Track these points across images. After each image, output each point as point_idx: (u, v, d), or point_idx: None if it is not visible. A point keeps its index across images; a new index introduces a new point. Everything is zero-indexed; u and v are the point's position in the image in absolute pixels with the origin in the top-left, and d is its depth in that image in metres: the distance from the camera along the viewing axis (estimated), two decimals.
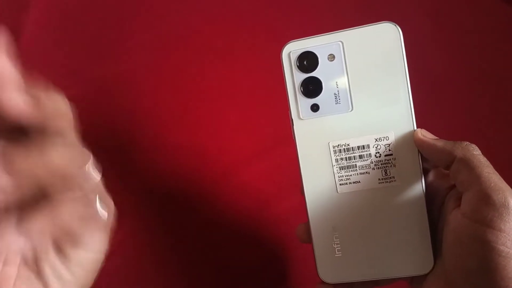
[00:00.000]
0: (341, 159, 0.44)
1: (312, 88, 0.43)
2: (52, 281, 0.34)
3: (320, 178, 0.44)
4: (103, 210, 0.36)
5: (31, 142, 0.30)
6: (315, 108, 0.43)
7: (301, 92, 0.43)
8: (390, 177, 0.43)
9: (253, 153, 0.62)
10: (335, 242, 0.44)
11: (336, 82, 0.43)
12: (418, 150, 0.42)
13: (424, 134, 0.41)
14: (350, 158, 0.44)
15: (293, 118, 0.44)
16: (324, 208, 0.44)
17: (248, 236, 0.61)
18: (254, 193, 0.62)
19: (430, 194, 0.43)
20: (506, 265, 0.33)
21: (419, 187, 0.43)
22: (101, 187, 0.37)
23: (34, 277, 0.34)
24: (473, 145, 0.39)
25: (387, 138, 0.43)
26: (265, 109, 0.62)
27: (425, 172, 0.44)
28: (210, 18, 0.65)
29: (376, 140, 0.43)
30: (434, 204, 0.43)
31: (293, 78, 0.44)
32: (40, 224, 0.33)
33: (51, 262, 0.35)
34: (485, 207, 0.35)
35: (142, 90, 0.63)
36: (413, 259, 0.43)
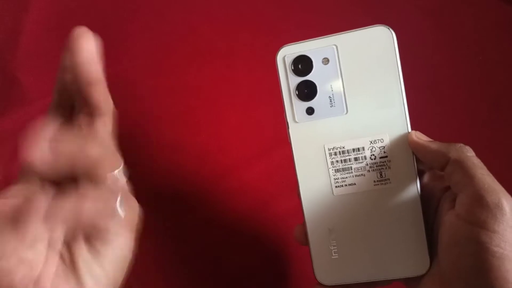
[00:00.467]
0: (337, 161, 0.44)
1: (307, 91, 0.43)
2: (86, 277, 0.36)
3: (316, 180, 0.45)
4: (121, 209, 0.38)
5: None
6: (310, 111, 0.44)
7: (296, 96, 0.44)
8: (386, 179, 0.43)
9: (253, 153, 0.62)
10: (332, 244, 0.45)
11: (331, 86, 0.43)
12: (413, 152, 0.42)
13: (419, 136, 0.42)
14: (345, 161, 0.44)
15: (288, 121, 0.44)
16: (320, 211, 0.45)
17: (247, 236, 0.61)
18: (253, 193, 0.62)
19: (425, 195, 0.43)
20: (500, 266, 0.33)
21: (414, 189, 0.43)
22: (126, 189, 0.39)
23: (70, 274, 0.36)
24: (467, 147, 0.39)
25: (382, 140, 0.43)
26: (265, 109, 0.62)
27: (420, 174, 0.44)
28: (210, 18, 0.65)
29: (371, 142, 0.43)
30: (429, 206, 0.43)
31: (288, 81, 0.44)
32: (65, 212, 0.34)
33: (84, 258, 0.36)
34: (479, 208, 0.35)
35: (142, 90, 0.63)
36: (409, 260, 0.43)
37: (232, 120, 0.63)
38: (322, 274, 0.45)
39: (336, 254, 0.45)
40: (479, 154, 0.38)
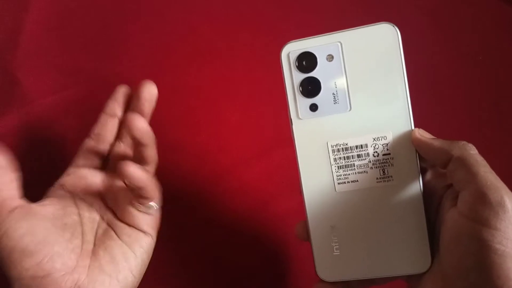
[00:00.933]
0: (340, 158, 0.44)
1: (311, 88, 0.43)
2: (120, 260, 0.45)
3: (319, 177, 0.45)
4: (155, 208, 0.49)
5: None
6: (313, 108, 0.44)
7: (300, 92, 0.44)
8: (388, 176, 0.43)
9: (253, 153, 0.62)
10: (333, 241, 0.45)
11: (335, 82, 0.43)
12: (416, 150, 0.42)
13: (422, 134, 0.42)
14: (348, 158, 0.44)
15: (292, 118, 0.44)
16: (323, 207, 0.45)
17: (247, 236, 0.61)
18: (253, 193, 0.62)
19: (427, 193, 0.43)
20: (502, 264, 0.33)
21: (417, 186, 0.43)
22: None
23: (103, 260, 0.44)
24: (470, 145, 0.39)
25: (385, 137, 0.43)
26: (265, 109, 0.63)
27: (423, 172, 0.44)
28: (210, 18, 0.65)
29: (374, 139, 0.43)
30: (432, 203, 0.43)
31: (292, 78, 0.44)
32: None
33: (118, 241, 0.46)
34: (481, 206, 0.35)
35: None
36: (410, 257, 0.43)
37: (232, 120, 0.63)
38: (323, 270, 0.45)
39: (338, 251, 0.45)
40: (482, 152, 0.38)
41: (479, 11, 0.64)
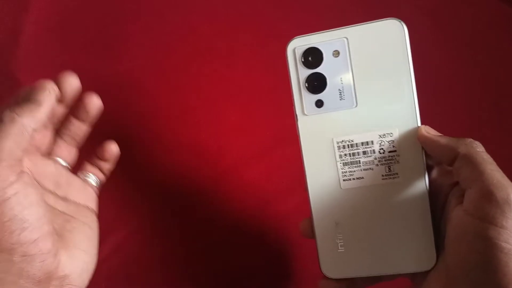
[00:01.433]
0: (345, 155, 0.44)
1: (316, 84, 0.43)
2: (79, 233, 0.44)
3: (324, 173, 0.44)
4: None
5: None
6: (319, 104, 0.44)
7: (305, 88, 0.44)
8: (394, 174, 0.43)
9: (253, 153, 0.62)
10: (338, 238, 0.45)
11: (341, 78, 0.43)
12: (422, 147, 0.42)
13: (428, 131, 0.41)
14: (354, 154, 0.44)
15: (297, 114, 0.44)
16: (328, 204, 0.44)
17: (248, 236, 0.61)
18: (254, 193, 0.62)
19: (433, 190, 0.43)
20: (508, 262, 0.33)
21: (423, 183, 0.43)
22: None
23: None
24: (477, 142, 0.39)
25: (391, 134, 0.43)
26: (266, 109, 0.62)
27: (429, 169, 0.44)
28: (210, 18, 0.65)
29: (380, 136, 0.43)
30: (437, 201, 0.43)
31: (297, 74, 0.44)
32: None
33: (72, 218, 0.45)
34: (487, 204, 0.35)
35: (142, 90, 0.63)
36: (415, 255, 0.43)
37: (232, 120, 0.63)
38: (328, 267, 0.45)
39: (343, 248, 0.45)
40: (485, 150, 0.38)
41: (479, 11, 0.64)
